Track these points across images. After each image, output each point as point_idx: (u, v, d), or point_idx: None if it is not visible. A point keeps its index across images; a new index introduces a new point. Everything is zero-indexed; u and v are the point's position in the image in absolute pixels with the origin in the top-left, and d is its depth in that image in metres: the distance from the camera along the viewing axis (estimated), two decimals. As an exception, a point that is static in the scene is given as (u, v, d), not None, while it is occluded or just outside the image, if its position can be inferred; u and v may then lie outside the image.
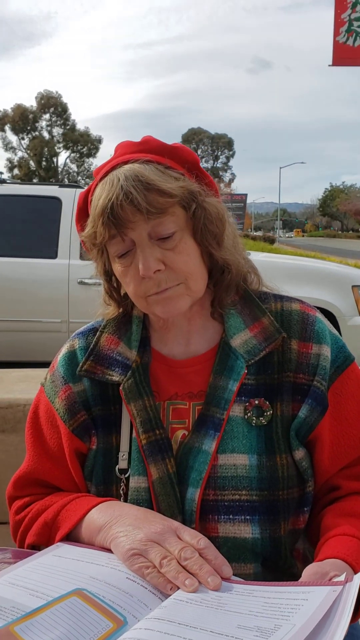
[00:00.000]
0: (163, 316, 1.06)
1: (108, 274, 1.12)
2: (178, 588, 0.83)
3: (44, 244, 5.80)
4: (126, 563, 0.88)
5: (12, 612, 0.77)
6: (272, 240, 51.94)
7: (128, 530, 0.92)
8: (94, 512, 1.00)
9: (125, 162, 1.01)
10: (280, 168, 69.32)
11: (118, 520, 0.96)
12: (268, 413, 1.03)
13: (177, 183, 1.00)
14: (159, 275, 1.01)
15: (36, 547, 1.07)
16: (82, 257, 5.67)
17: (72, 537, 1.02)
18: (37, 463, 1.14)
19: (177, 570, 0.84)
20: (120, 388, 1.07)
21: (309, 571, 0.86)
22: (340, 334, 1.32)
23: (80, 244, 1.12)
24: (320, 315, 1.11)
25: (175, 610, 0.77)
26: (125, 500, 1.04)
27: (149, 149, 1.04)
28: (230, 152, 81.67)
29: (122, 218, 0.98)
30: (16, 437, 2.00)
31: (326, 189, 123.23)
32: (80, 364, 1.11)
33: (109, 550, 0.94)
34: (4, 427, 2.02)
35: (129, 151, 1.04)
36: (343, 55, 9.53)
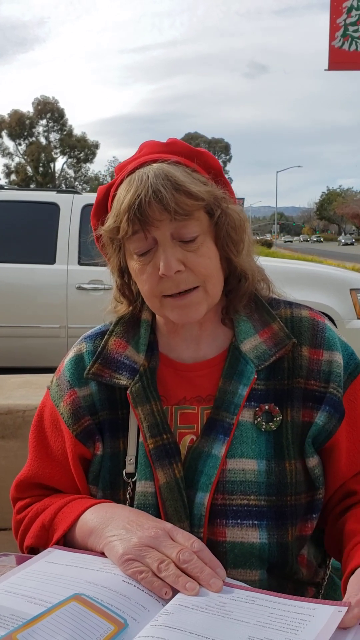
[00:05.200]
0: (178, 322, 1.06)
1: (122, 271, 1.12)
2: (172, 592, 0.83)
3: (42, 250, 5.80)
4: (120, 568, 0.88)
5: (12, 620, 0.77)
6: (269, 244, 52.01)
7: (121, 535, 0.92)
8: (87, 514, 1.01)
9: (154, 161, 1.01)
10: (277, 172, 69.46)
11: (110, 522, 0.96)
12: (278, 418, 1.03)
13: (205, 187, 1.01)
14: (178, 276, 1.00)
15: (35, 549, 1.07)
16: (80, 263, 5.67)
17: (67, 540, 1.02)
18: (38, 467, 1.14)
19: (177, 574, 0.84)
20: (128, 392, 1.07)
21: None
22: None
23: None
24: (328, 323, 1.12)
25: (183, 617, 0.77)
26: (132, 505, 1.04)
27: (176, 151, 1.04)
28: (227, 157, 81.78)
29: (148, 216, 0.97)
30: (16, 443, 2.00)
31: (323, 192, 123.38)
32: (88, 367, 1.11)
33: (102, 554, 0.94)
34: (3, 433, 2.02)
35: (155, 150, 1.04)
36: (339, 60, 9.55)
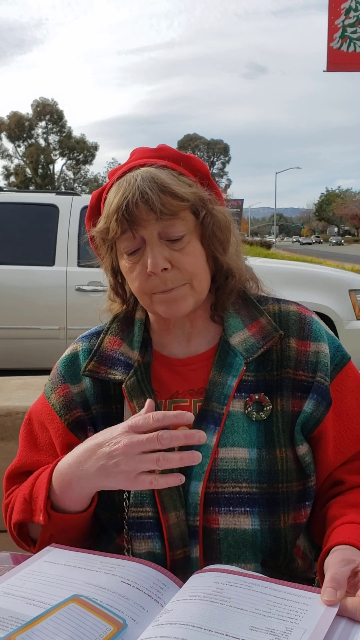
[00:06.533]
0: (166, 316, 1.09)
1: (114, 271, 1.16)
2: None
3: (42, 252, 5.80)
4: (134, 487, 0.92)
5: (11, 622, 0.78)
6: (268, 245, 52.09)
7: (106, 464, 0.92)
8: (56, 470, 1.02)
9: (142, 166, 1.06)
10: (277, 173, 69.60)
11: (85, 462, 0.96)
12: (268, 408, 1.06)
13: (190, 189, 1.05)
14: (165, 274, 1.04)
15: (23, 524, 1.08)
16: (79, 264, 5.68)
17: (56, 504, 1.02)
18: (27, 457, 1.17)
19: (177, 457, 0.88)
20: (123, 386, 1.10)
21: (334, 560, 0.86)
22: (338, 338, 1.36)
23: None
24: (316, 317, 1.15)
25: (182, 611, 0.77)
26: (128, 495, 1.06)
27: (165, 156, 1.09)
28: (226, 158, 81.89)
29: (135, 216, 1.02)
30: (15, 445, 1.99)
31: (322, 193, 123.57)
32: (85, 364, 1.14)
33: (100, 554, 0.95)
34: (3, 434, 2.02)
35: (145, 156, 1.10)
36: (337, 61, 9.55)
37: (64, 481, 1.00)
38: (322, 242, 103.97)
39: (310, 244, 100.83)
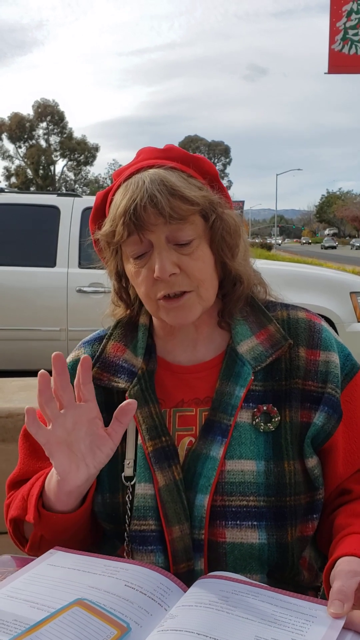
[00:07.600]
0: (173, 324, 1.07)
1: (119, 275, 1.13)
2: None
3: (43, 253, 5.81)
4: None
5: (15, 625, 0.77)
6: (269, 247, 52.07)
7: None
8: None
9: (150, 167, 1.03)
10: (277, 175, 69.58)
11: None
12: (276, 419, 1.03)
13: (200, 192, 1.03)
14: (173, 279, 1.02)
15: (19, 522, 1.08)
16: (80, 266, 5.68)
17: (46, 504, 1.02)
18: (28, 466, 1.15)
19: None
20: (127, 395, 1.08)
21: (342, 571, 0.85)
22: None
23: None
24: (325, 324, 1.13)
25: (187, 618, 0.77)
26: (131, 508, 1.04)
27: (173, 157, 1.06)
28: (227, 160, 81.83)
29: (143, 220, 0.99)
30: (16, 447, 1.99)
31: (323, 195, 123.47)
32: None
33: (103, 558, 0.95)
34: (4, 436, 2.01)
35: (152, 157, 1.07)
36: (339, 63, 9.56)
37: (51, 478, 1.00)
38: (333, 247, 79.93)
39: (334, 247, 77.77)
